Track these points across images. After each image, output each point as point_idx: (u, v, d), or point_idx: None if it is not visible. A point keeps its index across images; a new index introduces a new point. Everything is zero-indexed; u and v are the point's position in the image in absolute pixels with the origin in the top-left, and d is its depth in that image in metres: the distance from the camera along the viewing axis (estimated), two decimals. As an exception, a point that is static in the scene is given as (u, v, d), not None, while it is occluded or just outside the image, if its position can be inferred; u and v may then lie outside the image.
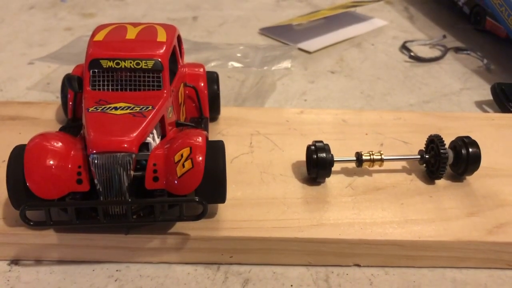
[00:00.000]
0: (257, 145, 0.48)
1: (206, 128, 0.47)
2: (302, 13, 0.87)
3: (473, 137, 0.44)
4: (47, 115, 0.52)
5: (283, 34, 0.78)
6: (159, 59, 0.39)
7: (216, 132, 0.50)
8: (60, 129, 0.43)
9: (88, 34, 0.72)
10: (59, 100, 0.55)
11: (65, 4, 0.89)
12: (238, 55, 0.68)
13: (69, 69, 0.58)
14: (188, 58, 0.51)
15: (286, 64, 0.66)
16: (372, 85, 0.66)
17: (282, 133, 0.50)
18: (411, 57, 0.73)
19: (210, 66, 0.66)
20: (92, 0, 0.91)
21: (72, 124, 0.44)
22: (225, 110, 0.52)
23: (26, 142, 0.36)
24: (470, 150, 0.42)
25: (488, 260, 0.38)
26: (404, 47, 0.75)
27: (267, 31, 0.80)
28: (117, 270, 0.38)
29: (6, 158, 0.36)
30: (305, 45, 0.75)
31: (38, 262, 0.38)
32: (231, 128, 0.51)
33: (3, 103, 0.55)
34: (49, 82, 0.64)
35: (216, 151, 0.37)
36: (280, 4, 0.93)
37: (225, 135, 0.49)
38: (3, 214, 0.39)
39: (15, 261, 0.38)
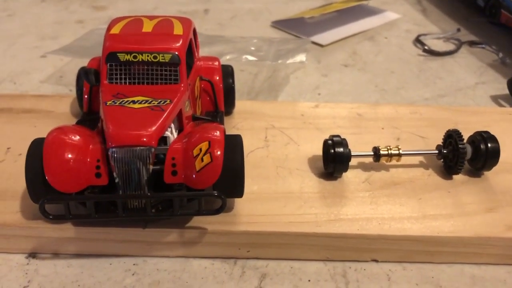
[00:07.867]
0: (272, 139, 0.48)
1: (221, 122, 0.46)
2: (314, 6, 0.87)
3: (491, 132, 0.43)
4: (62, 108, 0.52)
5: (295, 27, 0.78)
6: (176, 53, 0.39)
7: (230, 126, 0.50)
8: (77, 123, 0.43)
9: (100, 27, 0.73)
10: (72, 93, 0.55)
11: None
12: (252, 48, 0.67)
13: (81, 62, 0.58)
14: (201, 51, 0.51)
15: (301, 57, 0.65)
16: (386, 78, 0.65)
17: (297, 127, 0.50)
18: (425, 50, 0.72)
19: (225, 60, 0.65)
20: (103, -8, 0.91)
21: (88, 118, 0.44)
22: (239, 104, 0.52)
23: (42, 135, 0.36)
24: (489, 145, 0.42)
25: (507, 257, 0.38)
26: (418, 41, 0.74)
27: (279, 24, 0.79)
28: (134, 264, 0.38)
29: (22, 151, 0.36)
30: (317, 38, 0.74)
31: (56, 255, 0.38)
32: (245, 122, 0.50)
33: (17, 96, 0.55)
34: (62, 75, 0.64)
35: (234, 145, 0.37)
36: (291, -4, 0.92)
37: (240, 129, 0.49)
38: (21, 207, 0.39)
39: (32, 254, 0.39)
